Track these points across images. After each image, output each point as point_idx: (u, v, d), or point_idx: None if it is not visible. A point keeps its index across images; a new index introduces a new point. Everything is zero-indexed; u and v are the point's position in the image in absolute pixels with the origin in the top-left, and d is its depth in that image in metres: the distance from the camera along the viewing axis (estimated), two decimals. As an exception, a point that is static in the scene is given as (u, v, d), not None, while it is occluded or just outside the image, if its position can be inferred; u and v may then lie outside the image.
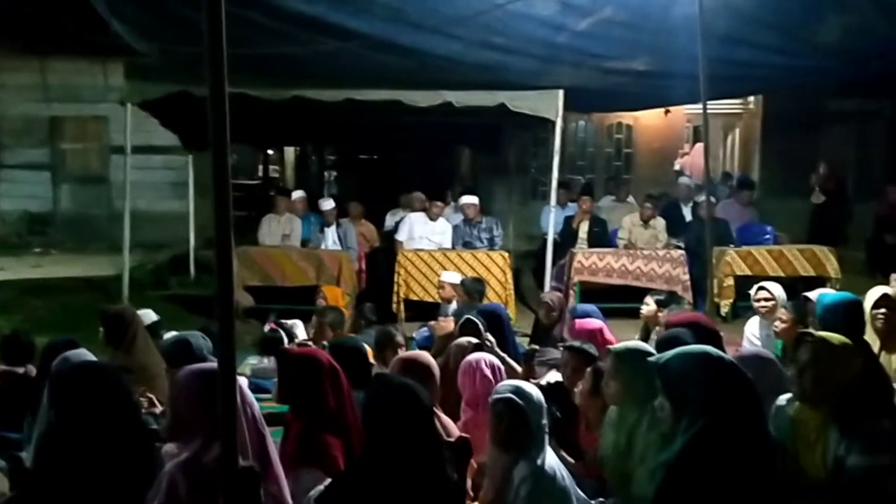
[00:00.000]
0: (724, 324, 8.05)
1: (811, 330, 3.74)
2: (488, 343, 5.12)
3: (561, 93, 8.10)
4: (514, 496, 3.08)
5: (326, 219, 9.61)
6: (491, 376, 4.02)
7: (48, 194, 14.50)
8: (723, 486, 2.36)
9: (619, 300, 8.25)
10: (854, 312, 4.43)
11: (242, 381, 2.92)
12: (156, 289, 10.04)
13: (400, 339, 5.27)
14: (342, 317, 6.49)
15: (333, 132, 13.38)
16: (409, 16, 6.42)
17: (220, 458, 2.34)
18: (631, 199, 11.28)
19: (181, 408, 2.85)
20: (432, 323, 7.30)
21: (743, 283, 8.33)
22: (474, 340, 4.82)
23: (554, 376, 4.72)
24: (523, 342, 6.57)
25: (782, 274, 8.59)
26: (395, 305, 8.88)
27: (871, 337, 4.69)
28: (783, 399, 3.08)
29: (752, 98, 14.78)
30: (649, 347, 3.48)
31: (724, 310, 8.74)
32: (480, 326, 5.34)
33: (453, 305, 7.57)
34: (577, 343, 4.54)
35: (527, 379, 4.41)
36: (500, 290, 8.79)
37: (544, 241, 8.97)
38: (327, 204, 9.73)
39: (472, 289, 7.41)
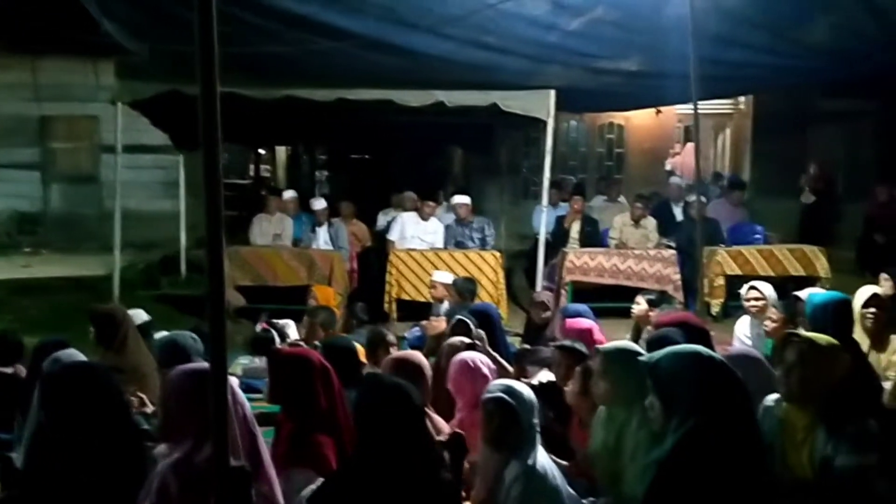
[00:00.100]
0: (715, 323, 8.09)
1: (798, 330, 3.76)
2: (478, 343, 5.11)
3: (552, 93, 8.12)
4: (506, 496, 3.09)
5: (318, 218, 9.59)
6: (488, 374, 4.02)
7: (38, 194, 14.44)
8: (713, 485, 2.36)
9: (610, 300, 8.28)
10: (843, 312, 4.46)
11: (233, 381, 2.91)
12: (146, 289, 10.01)
13: (392, 338, 5.27)
14: (333, 317, 6.48)
15: (325, 132, 13.37)
16: (401, 15, 6.42)
17: (211, 458, 2.34)
18: (622, 198, 11.32)
19: (172, 408, 2.85)
20: (424, 323, 7.29)
21: (733, 283, 8.36)
22: (466, 340, 4.82)
23: (546, 376, 4.72)
24: (515, 342, 6.58)
25: (772, 273, 8.63)
26: (386, 305, 8.88)
27: (860, 336, 4.73)
28: (771, 399, 3.09)
29: (742, 98, 14.82)
30: (637, 347, 3.49)
31: (714, 309, 8.78)
32: (471, 326, 5.34)
33: (445, 305, 7.57)
34: (567, 342, 4.54)
35: (518, 378, 4.42)
36: (491, 290, 8.81)
37: (536, 241, 8.99)
38: (319, 203, 9.72)
39: (464, 289, 7.41)
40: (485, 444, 3.26)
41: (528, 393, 3.27)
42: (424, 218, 9.52)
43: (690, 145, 13.43)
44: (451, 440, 3.42)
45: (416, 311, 8.54)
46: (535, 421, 3.22)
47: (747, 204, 11.00)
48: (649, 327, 5.93)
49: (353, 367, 4.31)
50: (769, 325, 5.34)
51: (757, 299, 5.87)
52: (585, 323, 5.54)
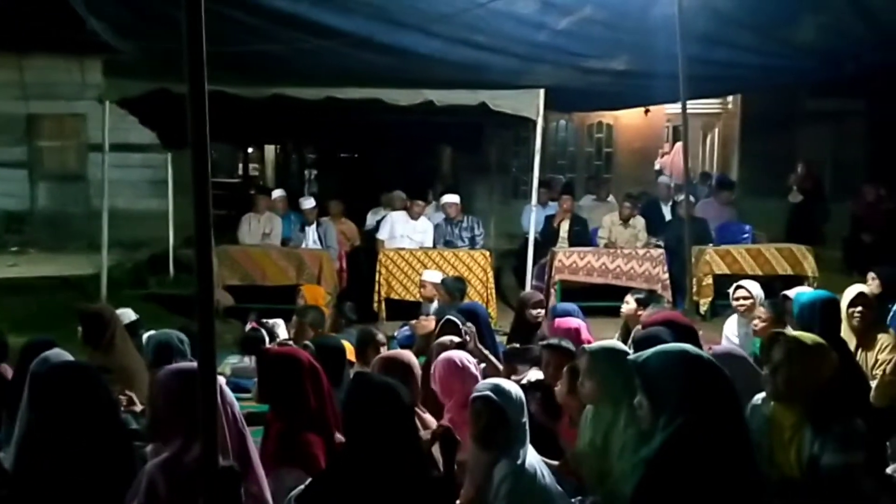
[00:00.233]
0: (703, 322, 8.13)
1: (785, 329, 3.78)
2: (467, 338, 5.09)
3: (542, 92, 8.13)
4: (495, 495, 3.09)
5: (307, 217, 9.56)
6: (475, 373, 4.02)
7: (25, 192, 14.37)
8: (701, 483, 2.37)
9: (599, 299, 8.30)
10: (831, 310, 4.48)
11: (221, 381, 2.91)
12: (134, 288, 9.97)
13: (381, 338, 5.26)
14: (323, 316, 6.47)
15: (314, 130, 13.36)
16: (389, 14, 6.42)
17: (200, 457, 2.34)
18: (611, 198, 11.34)
19: (161, 407, 2.84)
20: (413, 322, 7.29)
21: (722, 282, 8.41)
22: (456, 339, 4.82)
23: (536, 374, 4.73)
24: (504, 341, 6.57)
25: (760, 273, 8.67)
26: (376, 304, 8.88)
27: (847, 335, 4.75)
28: (759, 398, 3.10)
29: (730, 98, 14.90)
30: (623, 346, 3.49)
31: (703, 308, 8.82)
32: (460, 325, 5.34)
33: (434, 304, 7.56)
34: (555, 340, 4.55)
35: (508, 377, 4.42)
36: (481, 289, 8.81)
37: (525, 240, 9.00)
38: (308, 202, 9.69)
39: (454, 288, 7.41)
40: (473, 444, 3.26)
41: (517, 391, 3.26)
42: (414, 217, 9.51)
43: (679, 145, 13.47)
44: (441, 434, 3.40)
45: (405, 310, 8.53)
46: (524, 420, 3.21)
47: (735, 203, 11.05)
48: (638, 326, 5.94)
49: (343, 366, 4.30)
50: (758, 324, 5.36)
51: (745, 298, 5.90)
52: (573, 322, 5.55)
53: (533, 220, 8.81)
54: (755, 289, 5.91)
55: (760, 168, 13.79)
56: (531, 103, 8.18)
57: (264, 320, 7.01)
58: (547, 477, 3.19)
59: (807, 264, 8.99)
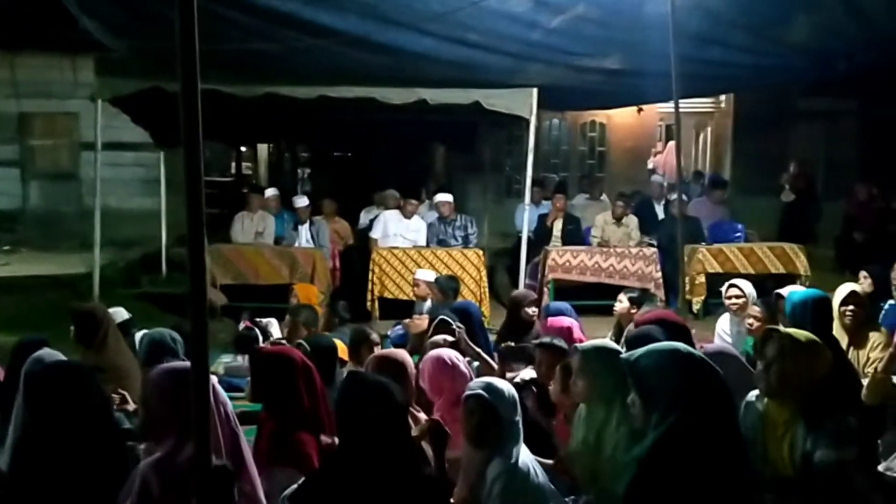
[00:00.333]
0: (696, 321, 8.15)
1: (778, 327, 3.79)
2: (459, 336, 5.09)
3: (535, 91, 8.13)
4: (488, 494, 3.08)
5: (300, 216, 9.55)
6: (465, 371, 4.02)
7: (17, 191, 14.33)
8: (694, 481, 2.37)
9: (592, 298, 8.30)
10: (823, 309, 4.49)
11: (214, 380, 2.90)
12: (127, 287, 9.94)
13: (375, 337, 5.27)
14: (316, 315, 6.47)
15: (307, 129, 13.32)
16: (383, 12, 6.42)
17: (193, 457, 2.33)
18: (604, 197, 11.36)
19: (154, 407, 2.84)
20: (407, 321, 7.29)
21: (714, 281, 8.41)
22: (449, 338, 4.82)
23: (529, 373, 4.73)
24: (495, 340, 6.58)
25: (753, 271, 8.69)
26: (369, 303, 8.87)
27: (839, 333, 4.76)
28: (752, 395, 3.11)
29: (723, 97, 14.92)
30: (615, 345, 3.50)
31: (695, 307, 8.83)
32: (452, 324, 5.34)
33: (428, 303, 7.57)
34: (547, 339, 4.55)
35: (502, 375, 4.42)
36: (474, 288, 8.81)
37: (519, 239, 9.00)
38: (301, 201, 9.68)
39: (447, 287, 7.41)
40: (466, 442, 3.26)
41: (509, 390, 3.26)
42: (407, 216, 9.50)
43: (672, 144, 13.50)
44: (431, 429, 3.38)
45: (398, 309, 8.53)
46: (517, 418, 3.21)
47: (728, 202, 11.06)
48: (631, 325, 5.96)
49: (336, 365, 4.30)
50: (752, 322, 5.37)
51: (737, 297, 5.91)
52: (566, 321, 5.56)
53: (526, 219, 8.82)
54: (748, 287, 5.92)
55: (753, 167, 13.82)
56: (524, 102, 8.18)
57: (257, 319, 7.00)
58: (540, 476, 3.19)
59: (799, 263, 9.02)
